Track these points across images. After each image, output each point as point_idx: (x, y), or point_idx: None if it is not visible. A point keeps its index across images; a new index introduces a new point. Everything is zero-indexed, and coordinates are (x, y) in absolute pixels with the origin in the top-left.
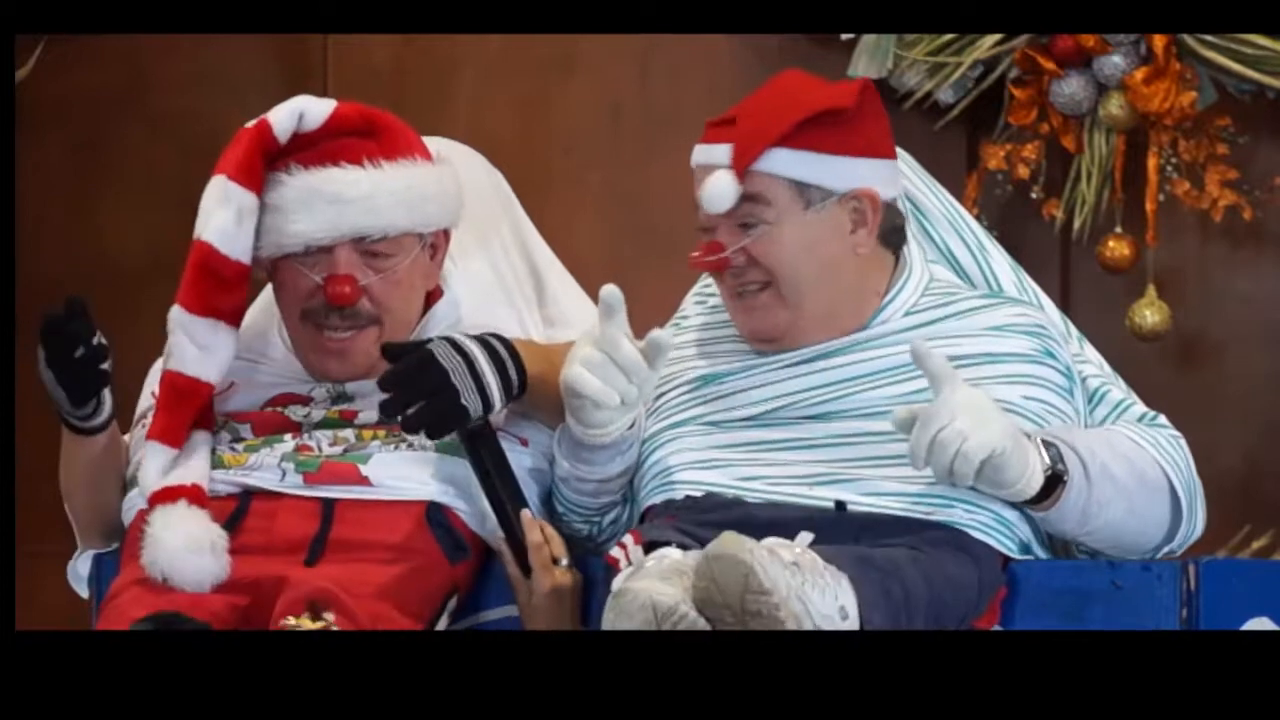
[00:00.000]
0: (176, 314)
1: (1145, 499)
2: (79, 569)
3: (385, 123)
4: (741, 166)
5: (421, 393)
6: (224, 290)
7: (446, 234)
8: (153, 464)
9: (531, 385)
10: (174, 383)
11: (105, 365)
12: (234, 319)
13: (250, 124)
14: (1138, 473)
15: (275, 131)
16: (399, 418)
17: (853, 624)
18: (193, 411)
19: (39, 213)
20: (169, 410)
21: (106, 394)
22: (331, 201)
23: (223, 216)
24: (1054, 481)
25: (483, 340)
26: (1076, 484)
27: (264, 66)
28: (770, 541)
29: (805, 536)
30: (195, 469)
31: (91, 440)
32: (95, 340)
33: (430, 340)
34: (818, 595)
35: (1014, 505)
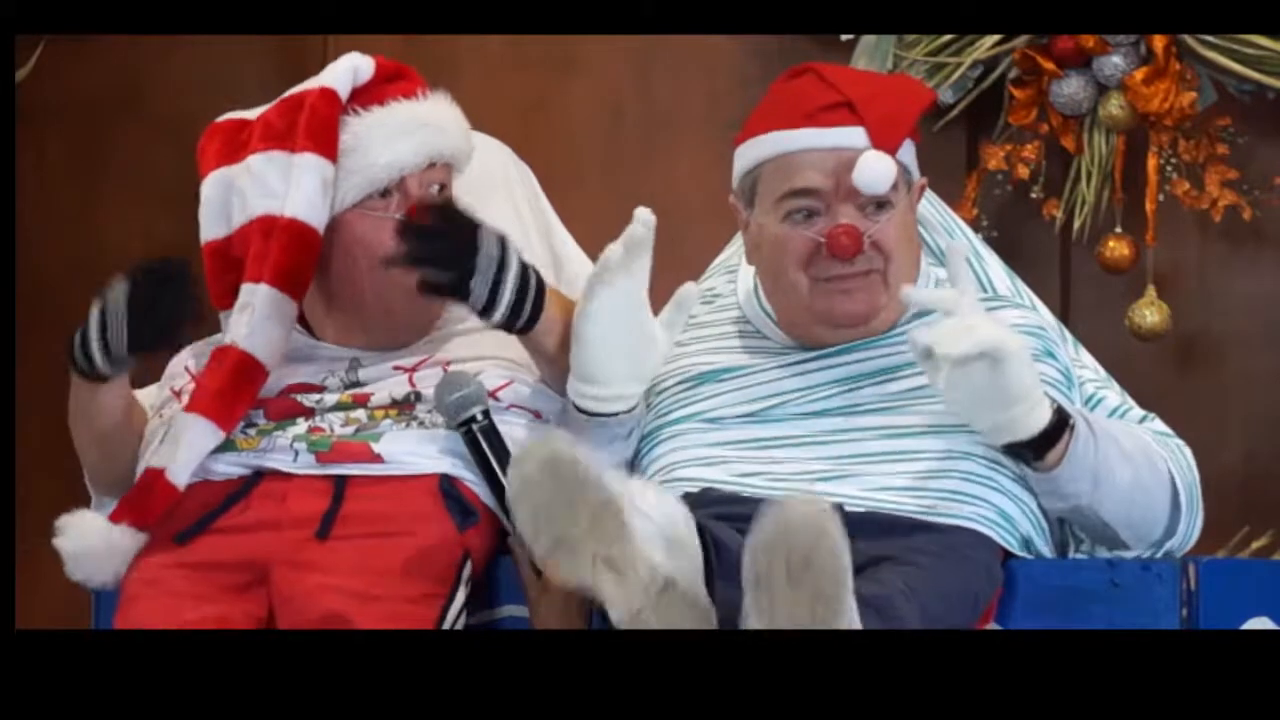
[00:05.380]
0: (268, 294)
1: (1148, 473)
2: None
3: (408, 67)
4: (894, 147)
5: (445, 248)
6: (310, 264)
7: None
8: (206, 444)
9: (548, 327)
10: (247, 366)
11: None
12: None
13: (304, 90)
14: (1141, 447)
15: (340, 94)
16: (416, 261)
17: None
18: (252, 398)
19: (39, 213)
20: (235, 396)
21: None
22: (410, 129)
23: (308, 190)
24: (1060, 425)
25: (524, 263)
26: (1083, 436)
27: (264, 67)
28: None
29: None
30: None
31: (102, 388)
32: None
33: (485, 224)
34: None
35: (1024, 491)
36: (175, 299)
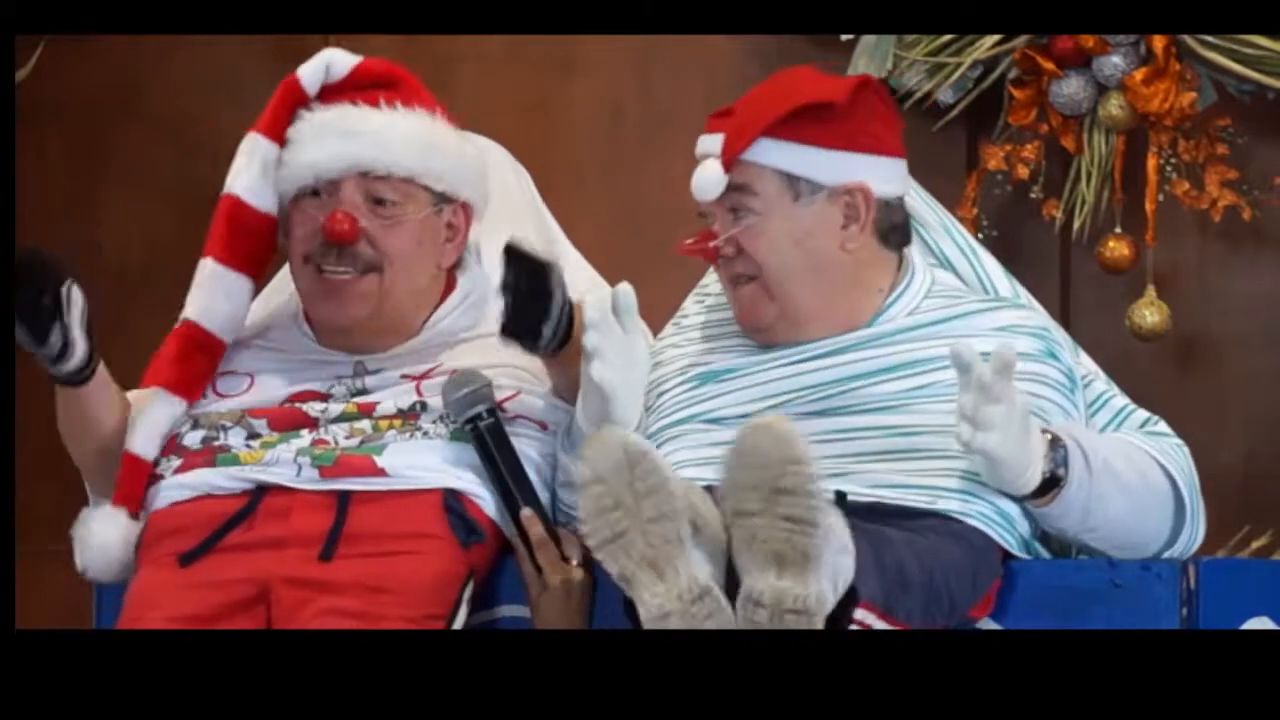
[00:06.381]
0: (209, 266)
1: (1148, 499)
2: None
3: (410, 79)
4: (729, 155)
5: (534, 301)
6: (253, 241)
7: (468, 214)
8: (162, 412)
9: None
10: (194, 335)
11: (61, 304)
12: (259, 275)
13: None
14: (1140, 472)
15: (304, 84)
16: (508, 314)
17: (850, 565)
18: (209, 367)
19: (39, 213)
20: (184, 361)
21: (78, 341)
22: (343, 134)
23: (250, 170)
24: (1050, 483)
25: (567, 297)
26: (1077, 478)
27: (264, 67)
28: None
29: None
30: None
31: (75, 392)
32: (53, 285)
33: (555, 265)
34: (834, 515)
35: (1016, 501)
36: (31, 288)
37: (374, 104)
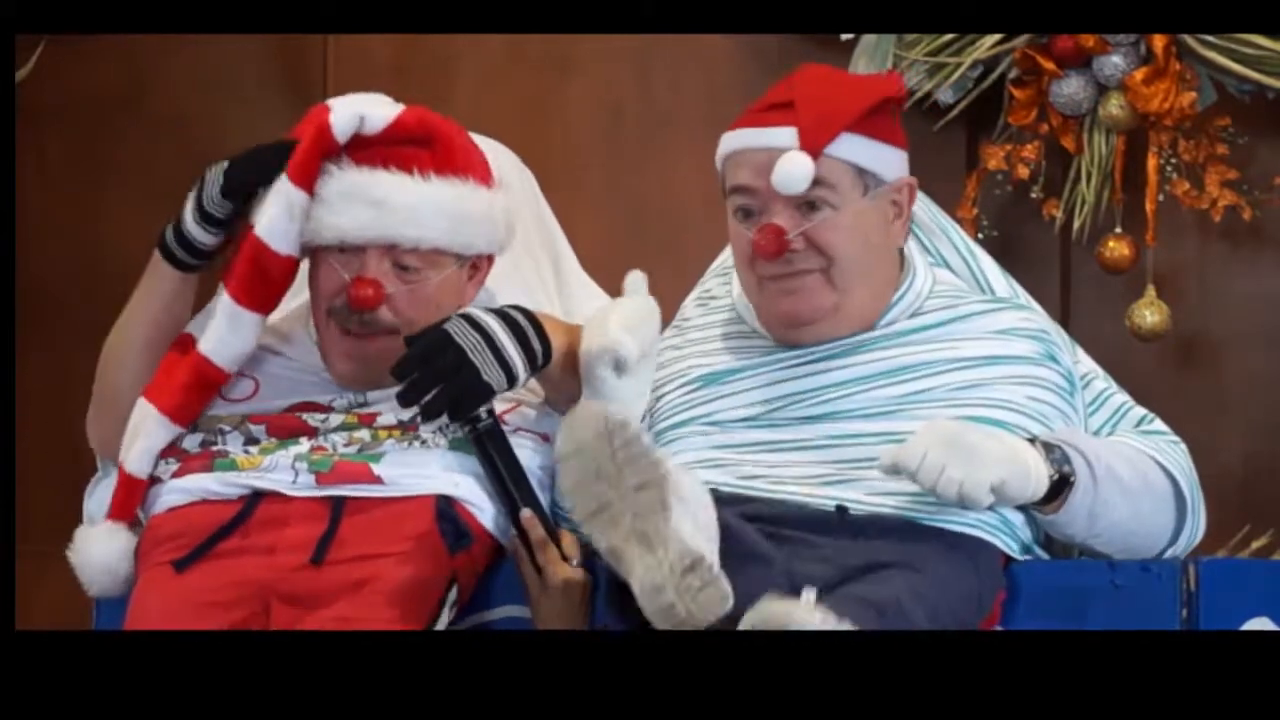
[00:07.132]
0: (226, 303)
1: (1150, 501)
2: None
3: (446, 135)
4: (818, 148)
5: (440, 374)
6: (269, 285)
7: (490, 258)
8: (160, 437)
9: (555, 357)
10: (203, 370)
11: (261, 191)
12: (271, 311)
13: (322, 108)
14: (1141, 474)
15: (335, 134)
16: (419, 404)
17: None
18: (211, 397)
19: (39, 213)
20: (190, 392)
21: (235, 222)
22: (373, 204)
23: (274, 212)
24: (1060, 484)
25: (500, 313)
26: (1083, 485)
27: (264, 67)
28: (784, 605)
29: (810, 593)
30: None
31: (171, 281)
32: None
33: (446, 320)
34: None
35: (1020, 507)
36: (270, 153)
37: (407, 170)
